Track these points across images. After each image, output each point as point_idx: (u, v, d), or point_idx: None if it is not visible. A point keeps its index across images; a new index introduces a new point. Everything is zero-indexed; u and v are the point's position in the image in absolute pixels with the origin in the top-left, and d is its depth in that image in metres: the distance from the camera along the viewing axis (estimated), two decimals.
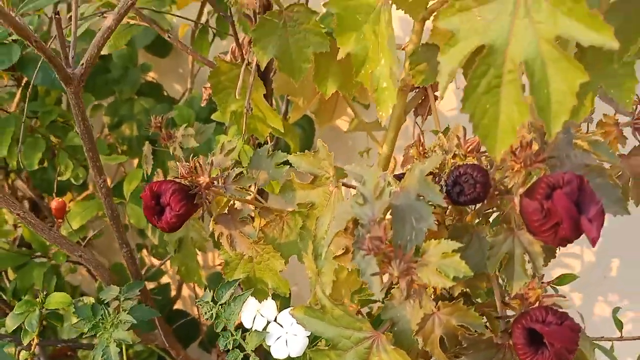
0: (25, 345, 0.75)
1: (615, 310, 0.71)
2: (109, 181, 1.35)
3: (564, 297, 0.49)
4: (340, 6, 0.52)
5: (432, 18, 0.54)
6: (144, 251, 1.28)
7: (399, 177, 0.52)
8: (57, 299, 0.74)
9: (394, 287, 0.50)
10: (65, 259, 0.96)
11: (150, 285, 1.31)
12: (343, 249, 0.54)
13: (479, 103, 0.40)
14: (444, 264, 0.43)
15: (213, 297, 0.67)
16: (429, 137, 0.78)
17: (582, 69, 0.35)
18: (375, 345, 0.50)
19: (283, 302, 0.77)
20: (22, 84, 1.02)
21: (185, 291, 1.40)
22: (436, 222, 0.53)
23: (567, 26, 0.35)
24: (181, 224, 0.59)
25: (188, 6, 1.06)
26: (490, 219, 0.54)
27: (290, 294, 0.75)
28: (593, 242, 0.40)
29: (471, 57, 0.40)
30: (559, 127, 0.38)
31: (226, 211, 0.63)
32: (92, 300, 0.76)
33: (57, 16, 0.60)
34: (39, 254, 0.97)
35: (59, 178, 1.00)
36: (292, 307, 0.57)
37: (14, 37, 0.87)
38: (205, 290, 1.02)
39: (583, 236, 0.43)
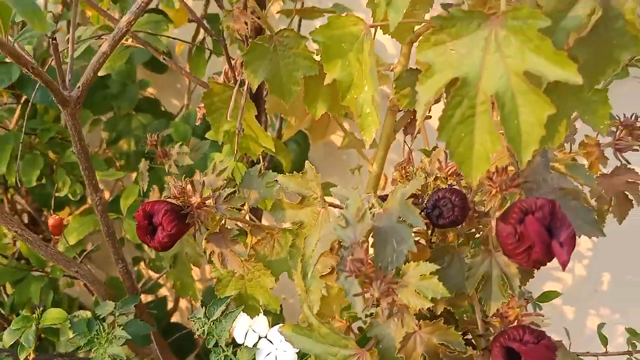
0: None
1: (600, 326, 0.72)
2: (107, 194, 1.38)
3: (542, 315, 0.50)
4: (325, 35, 0.54)
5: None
6: (142, 264, 1.29)
7: (384, 198, 0.54)
8: (53, 315, 0.76)
9: (379, 305, 0.52)
10: (63, 274, 0.97)
11: (149, 298, 1.33)
12: (329, 268, 0.56)
13: (454, 132, 0.42)
14: (422, 285, 0.45)
15: (205, 313, 0.68)
16: (419, 155, 0.80)
17: (549, 102, 0.37)
18: None
19: (274, 318, 0.78)
20: (22, 102, 1.04)
21: (183, 303, 1.41)
22: (421, 242, 0.55)
23: (534, 62, 0.37)
24: (173, 244, 0.61)
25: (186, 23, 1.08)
26: (472, 240, 0.55)
27: (281, 309, 0.77)
28: (563, 266, 0.41)
29: (447, 87, 0.42)
30: (529, 156, 0.39)
31: (217, 230, 0.65)
32: (88, 314, 0.78)
33: (54, 41, 0.62)
34: (36, 268, 0.99)
35: (57, 194, 1.02)
36: (281, 325, 0.58)
37: None
38: (200, 304, 1.04)
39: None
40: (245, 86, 0.70)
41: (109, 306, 0.77)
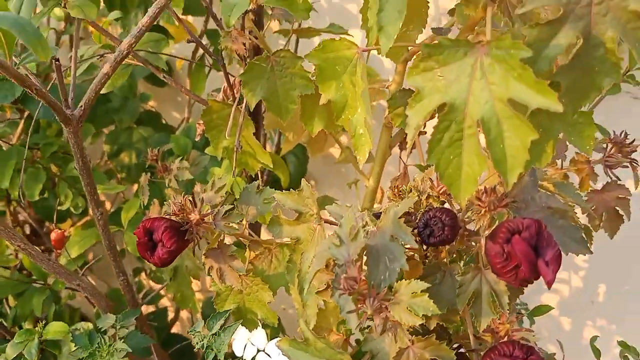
0: None
1: (593, 339, 0.73)
2: (107, 205, 1.39)
3: (532, 330, 0.52)
4: (320, 58, 0.56)
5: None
6: (143, 274, 1.31)
7: (378, 216, 0.56)
8: (55, 328, 0.77)
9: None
10: (64, 286, 0.99)
11: (150, 308, 1.34)
12: (325, 284, 0.57)
13: (443, 155, 0.43)
14: (414, 302, 0.46)
15: (204, 326, 0.70)
16: (415, 170, 0.81)
17: (532, 127, 0.39)
18: None
19: (273, 330, 0.80)
20: (24, 116, 1.06)
21: (184, 313, 1.42)
22: (415, 258, 0.56)
23: (517, 90, 0.38)
24: (173, 259, 0.62)
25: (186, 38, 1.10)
26: (464, 257, 0.57)
27: (279, 321, 0.78)
28: (548, 284, 0.42)
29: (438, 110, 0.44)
30: (514, 178, 0.41)
31: (216, 245, 0.67)
32: (90, 326, 0.79)
33: (57, 62, 0.64)
34: (38, 280, 1.00)
35: (59, 207, 1.03)
36: (279, 338, 0.60)
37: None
38: (200, 315, 1.04)
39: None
40: (244, 104, 0.72)
41: (110, 319, 0.79)
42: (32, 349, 0.75)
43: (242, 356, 0.70)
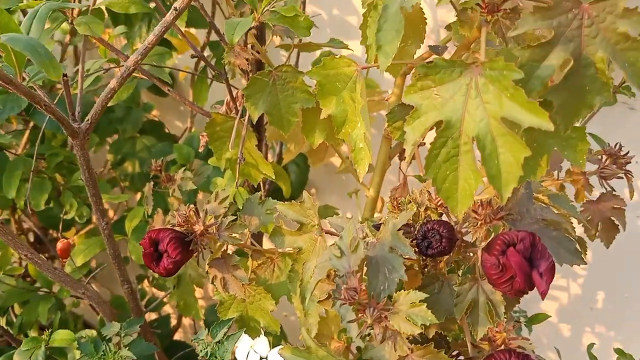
0: None
1: (590, 346, 0.75)
2: (111, 213, 1.41)
3: (528, 339, 0.53)
4: (321, 75, 0.58)
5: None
6: (146, 282, 1.32)
7: (377, 227, 0.57)
8: (62, 336, 0.78)
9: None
10: (69, 294, 1.00)
11: (153, 316, 1.35)
12: (327, 294, 0.59)
13: (440, 170, 0.45)
14: (412, 312, 0.48)
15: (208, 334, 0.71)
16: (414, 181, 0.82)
17: (525, 145, 0.40)
18: None
19: (276, 337, 0.81)
20: (30, 127, 1.07)
21: (186, 320, 1.44)
22: (414, 268, 0.57)
23: (510, 109, 0.40)
24: (177, 270, 0.64)
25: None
26: (462, 268, 0.58)
27: (282, 328, 0.79)
28: (542, 295, 0.44)
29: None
30: (509, 193, 0.42)
31: (220, 255, 0.68)
32: (94, 333, 0.81)
33: (64, 77, 0.66)
34: (43, 288, 1.02)
35: (64, 217, 1.05)
36: (281, 346, 0.61)
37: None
38: (203, 322, 1.06)
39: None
40: (247, 116, 0.73)
41: (114, 327, 0.80)
42: (39, 357, 0.77)
43: None
